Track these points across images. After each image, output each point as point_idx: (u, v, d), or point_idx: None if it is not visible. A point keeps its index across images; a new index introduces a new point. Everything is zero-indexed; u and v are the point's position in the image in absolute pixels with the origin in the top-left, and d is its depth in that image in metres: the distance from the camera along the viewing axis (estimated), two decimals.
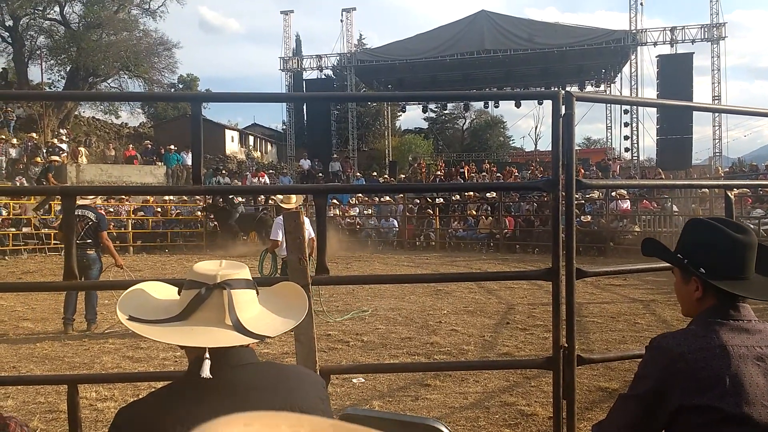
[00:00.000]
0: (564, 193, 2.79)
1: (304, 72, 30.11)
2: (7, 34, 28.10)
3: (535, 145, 35.62)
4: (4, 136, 20.99)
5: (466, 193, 18.19)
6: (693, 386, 1.41)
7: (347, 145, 29.98)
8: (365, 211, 19.22)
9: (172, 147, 23.54)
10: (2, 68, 30.02)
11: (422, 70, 28.03)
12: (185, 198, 18.50)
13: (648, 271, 3.14)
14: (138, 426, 1.24)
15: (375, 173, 26.87)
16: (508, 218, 16.89)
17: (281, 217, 6.72)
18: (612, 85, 29.96)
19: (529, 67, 28.04)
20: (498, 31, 26.13)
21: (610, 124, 30.11)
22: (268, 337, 1.37)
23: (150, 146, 25.40)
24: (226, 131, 36.18)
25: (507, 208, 17.47)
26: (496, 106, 33.27)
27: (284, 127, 36.48)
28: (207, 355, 1.27)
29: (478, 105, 37.49)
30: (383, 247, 17.34)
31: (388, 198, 18.86)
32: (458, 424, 3.97)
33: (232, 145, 36.51)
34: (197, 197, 17.81)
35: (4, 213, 15.15)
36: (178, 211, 18.77)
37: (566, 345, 2.77)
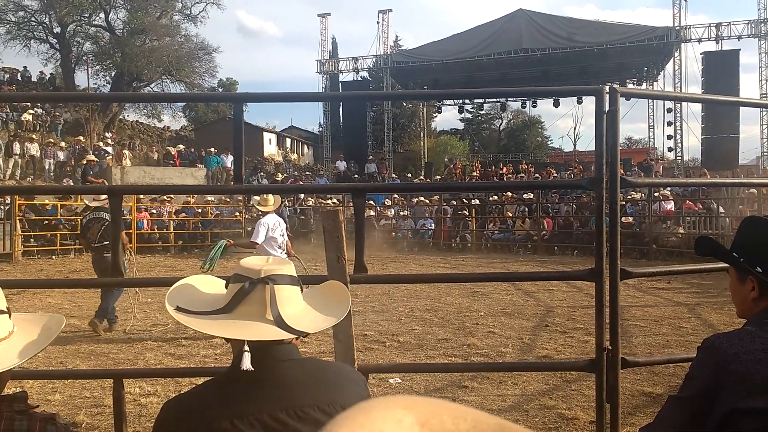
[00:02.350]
0: (608, 192, 2.73)
1: (340, 74, 30.35)
2: (55, 40, 29.16)
3: (574, 145, 35.05)
4: (52, 140, 21.77)
5: (503, 194, 17.97)
6: (747, 388, 1.35)
7: (383, 146, 30.06)
8: (401, 212, 19.21)
9: (212, 149, 24.03)
10: (50, 74, 31.17)
11: (458, 70, 27.88)
12: (226, 199, 18.83)
13: (695, 272, 3.04)
14: (183, 419, 1.26)
15: (410, 174, 26.85)
16: (546, 219, 16.62)
17: (266, 217, 6.72)
18: (655, 82, 29.19)
19: (568, 66, 27.58)
20: (536, 30, 25.79)
21: (652, 124, 29.30)
22: (308, 333, 1.37)
23: (185, 149, 25.96)
24: (264, 134, 36.76)
25: (545, 210, 17.20)
26: (534, 106, 32.81)
27: (321, 129, 36.87)
28: (246, 348, 1.29)
29: (515, 105, 37.13)
30: (418, 248, 17.29)
31: (423, 199, 18.82)
32: None
33: (269, 147, 37.08)
34: (238, 198, 18.12)
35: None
36: (219, 212, 19.13)
37: (610, 347, 2.70)
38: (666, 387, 4.67)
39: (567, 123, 72.68)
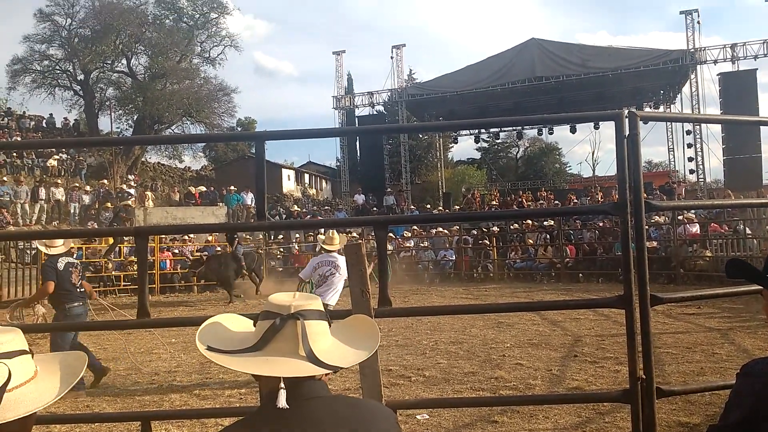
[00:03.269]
0: (633, 216, 2.69)
1: (356, 109, 30.78)
2: (78, 87, 30.13)
3: (593, 170, 34.75)
4: (77, 184, 22.28)
5: (523, 222, 17.82)
6: None
7: (400, 178, 30.19)
8: (420, 244, 19.13)
9: (233, 188, 24.35)
10: (75, 120, 32.11)
11: (473, 100, 28.08)
12: (246, 237, 18.97)
13: (726, 296, 2.95)
14: None
15: (429, 205, 26.84)
16: (569, 246, 16.40)
17: (317, 258, 6.80)
18: (672, 105, 29.03)
19: (583, 92, 27.62)
20: (549, 58, 25.97)
21: (672, 146, 29.06)
22: (341, 368, 1.36)
23: (208, 189, 26.35)
24: (283, 170, 37.19)
25: (567, 236, 16.99)
26: (551, 133, 32.81)
27: (338, 163, 37.24)
28: (282, 385, 1.27)
29: (531, 133, 37.15)
30: (440, 279, 17.14)
31: (442, 229, 18.74)
32: None
33: (288, 183, 37.46)
34: (259, 236, 18.24)
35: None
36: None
37: (644, 377, 2.62)
38: (703, 416, 4.50)
39: (585, 149, 72.54)
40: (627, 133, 2.70)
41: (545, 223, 17.23)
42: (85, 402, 5.67)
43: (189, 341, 8.35)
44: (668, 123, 24.25)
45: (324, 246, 6.70)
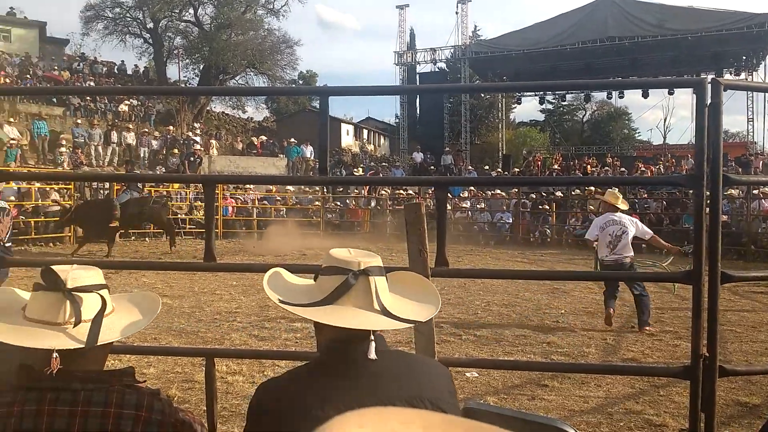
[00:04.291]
0: (708, 190, 2.58)
1: (417, 65, 30.26)
2: (148, 35, 30.86)
3: (664, 138, 33.05)
4: (146, 130, 23.14)
5: (585, 188, 17.31)
6: None
7: (459, 138, 29.76)
8: (477, 205, 18.96)
9: (293, 140, 24.71)
10: (144, 67, 33.07)
11: (540, 60, 27.07)
12: (305, 189, 19.36)
13: None
14: (278, 402, 1.30)
15: (487, 167, 26.44)
16: (633, 215, 15.84)
17: (601, 218, 6.88)
18: (754, 72, 27.09)
19: (659, 54, 26.11)
20: (624, 17, 24.61)
21: (751, 116, 27.25)
22: (418, 321, 1.39)
23: (267, 140, 26.81)
24: (342, 125, 37.27)
25: (632, 205, 16.41)
26: (621, 97, 31.25)
27: (397, 120, 36.96)
28: (372, 337, 1.32)
29: (600, 96, 35.59)
30: (495, 242, 17.00)
31: (500, 192, 18.47)
32: (579, 428, 3.81)
33: (347, 138, 37.59)
34: (316, 188, 18.55)
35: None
36: (297, 200, 19.69)
37: (707, 354, 2.57)
38: (764, 397, 4.38)
39: (656, 114, 68.93)
40: (708, 101, 2.57)
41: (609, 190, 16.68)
42: (152, 335, 6.05)
43: (248, 285, 8.71)
44: (749, 92, 22.72)
45: (611, 203, 6.83)
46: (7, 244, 5.09)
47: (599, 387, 4.58)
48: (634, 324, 6.69)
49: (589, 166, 22.49)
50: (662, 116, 56.76)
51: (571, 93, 33.85)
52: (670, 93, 29.51)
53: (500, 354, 5.54)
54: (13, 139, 17.02)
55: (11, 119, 18.95)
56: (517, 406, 4.21)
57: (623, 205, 6.86)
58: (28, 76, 24.90)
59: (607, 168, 22.05)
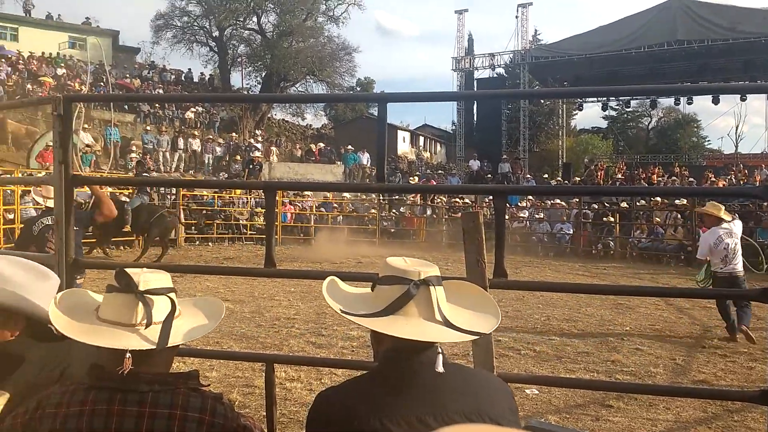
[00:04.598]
0: None
1: (475, 71, 30.02)
2: (213, 44, 31.99)
3: (736, 146, 31.42)
4: (211, 136, 23.93)
5: (651, 199, 16.64)
6: None
7: (518, 145, 29.29)
8: (535, 215, 18.56)
9: (350, 147, 24.96)
10: (210, 75, 34.28)
11: (602, 65, 26.31)
12: (362, 196, 19.50)
13: None
14: (336, 412, 1.29)
15: (546, 175, 25.86)
16: (702, 228, 15.10)
17: (710, 234, 6.79)
18: None
19: (730, 58, 24.89)
20: (693, 20, 23.62)
21: None
22: (482, 334, 1.36)
23: (324, 147, 27.18)
24: (399, 132, 37.39)
25: (701, 217, 15.64)
26: (689, 103, 29.98)
27: (454, 127, 36.75)
28: (440, 350, 1.31)
29: (668, 102, 34.24)
30: (554, 253, 16.58)
31: (559, 201, 18.01)
32: None
33: (403, 145, 37.67)
34: (372, 196, 18.67)
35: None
36: (354, 207, 19.86)
37: None
38: None
39: (727, 122, 65.69)
40: None
41: (676, 201, 15.96)
42: (215, 338, 6.20)
43: (306, 291, 8.83)
44: None
45: (715, 215, 6.76)
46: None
47: (668, 410, 4.36)
48: (706, 344, 6.35)
49: (654, 176, 21.63)
50: (734, 124, 53.92)
51: (636, 99, 32.74)
52: (743, 99, 28.08)
53: (561, 371, 5.37)
54: (88, 144, 17.95)
55: (86, 125, 20.02)
56: (580, 427, 4.06)
57: (727, 216, 6.72)
58: (102, 83, 26.30)
59: (674, 178, 21.15)
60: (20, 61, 26.00)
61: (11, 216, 12.28)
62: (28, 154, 17.41)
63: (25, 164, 16.71)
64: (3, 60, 24.97)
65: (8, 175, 13.18)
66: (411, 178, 24.16)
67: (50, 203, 4.44)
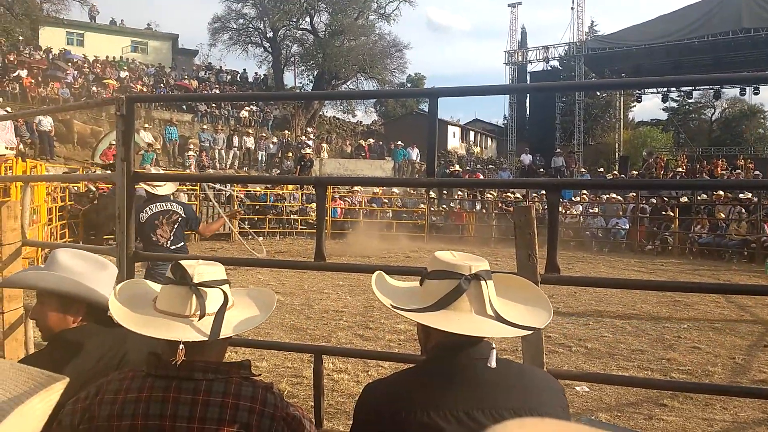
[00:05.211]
0: None
1: (528, 65, 29.46)
2: (267, 44, 32.65)
3: None
4: (264, 134, 24.48)
5: (713, 193, 15.90)
6: None
7: (572, 139, 28.58)
8: (589, 210, 18.08)
9: (400, 143, 25.00)
10: (264, 75, 35.02)
11: (662, 55, 25.32)
12: (410, 191, 19.50)
13: None
14: (384, 404, 1.31)
15: (602, 169, 25.13)
16: (767, 223, 14.36)
17: None
18: None
19: None
20: (760, 7, 22.43)
21: None
22: (535, 329, 1.35)
23: (374, 143, 27.30)
24: (449, 127, 37.14)
25: (767, 212, 14.86)
26: (756, 93, 28.49)
27: (505, 121, 36.23)
28: (494, 345, 1.31)
29: (732, 92, 32.72)
30: (609, 249, 16.11)
31: (615, 196, 17.47)
32: None
33: (453, 140, 37.39)
34: (422, 191, 18.62)
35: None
36: (403, 203, 19.89)
37: None
38: None
39: None
40: None
41: (740, 195, 15.20)
42: (265, 329, 6.36)
43: (354, 284, 8.93)
44: None
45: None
46: (172, 247, 4.92)
47: (725, 410, 4.19)
48: (767, 342, 6.06)
49: (718, 169, 20.67)
50: None
51: (699, 90, 31.36)
52: None
53: (614, 369, 5.24)
54: (149, 143, 18.69)
55: (146, 125, 20.84)
56: (633, 426, 3.96)
57: None
58: (162, 84, 27.31)
59: (738, 171, 20.15)
60: (86, 65, 27.32)
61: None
62: (92, 153, 18.29)
63: (89, 162, 17.55)
64: (70, 64, 26.29)
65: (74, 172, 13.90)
66: (452, 168, 23.55)
67: (159, 191, 4.84)
